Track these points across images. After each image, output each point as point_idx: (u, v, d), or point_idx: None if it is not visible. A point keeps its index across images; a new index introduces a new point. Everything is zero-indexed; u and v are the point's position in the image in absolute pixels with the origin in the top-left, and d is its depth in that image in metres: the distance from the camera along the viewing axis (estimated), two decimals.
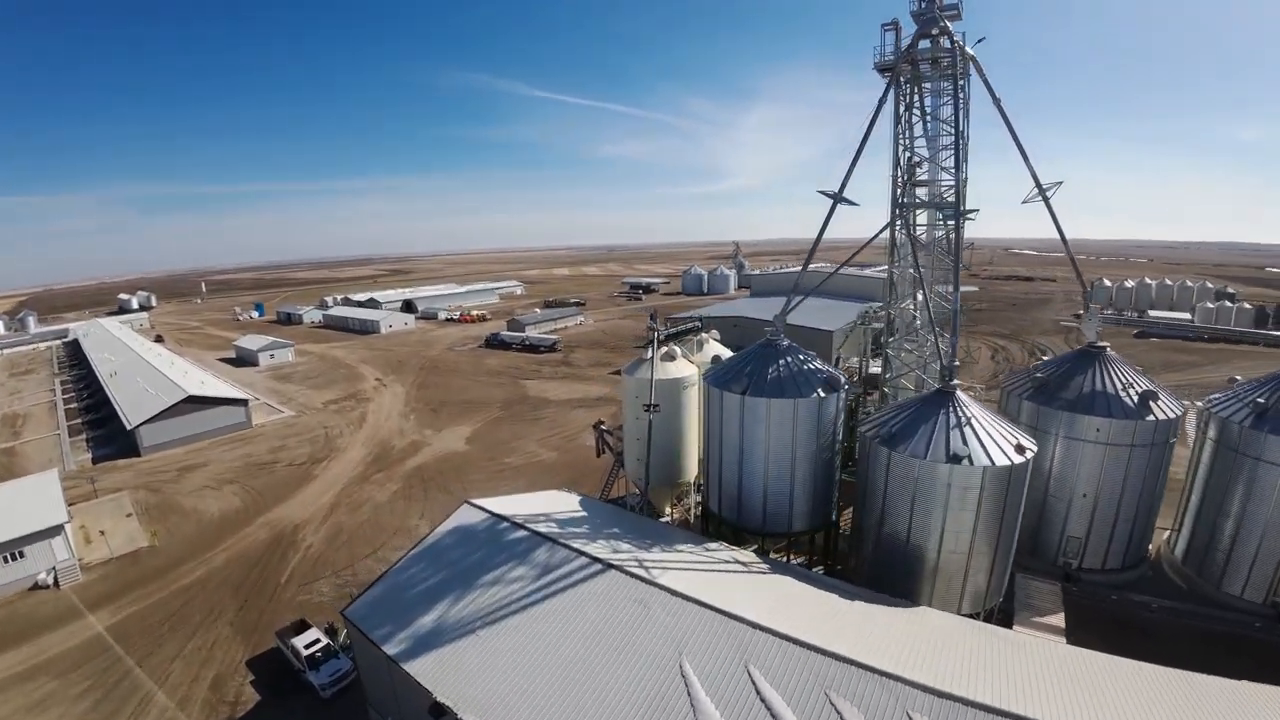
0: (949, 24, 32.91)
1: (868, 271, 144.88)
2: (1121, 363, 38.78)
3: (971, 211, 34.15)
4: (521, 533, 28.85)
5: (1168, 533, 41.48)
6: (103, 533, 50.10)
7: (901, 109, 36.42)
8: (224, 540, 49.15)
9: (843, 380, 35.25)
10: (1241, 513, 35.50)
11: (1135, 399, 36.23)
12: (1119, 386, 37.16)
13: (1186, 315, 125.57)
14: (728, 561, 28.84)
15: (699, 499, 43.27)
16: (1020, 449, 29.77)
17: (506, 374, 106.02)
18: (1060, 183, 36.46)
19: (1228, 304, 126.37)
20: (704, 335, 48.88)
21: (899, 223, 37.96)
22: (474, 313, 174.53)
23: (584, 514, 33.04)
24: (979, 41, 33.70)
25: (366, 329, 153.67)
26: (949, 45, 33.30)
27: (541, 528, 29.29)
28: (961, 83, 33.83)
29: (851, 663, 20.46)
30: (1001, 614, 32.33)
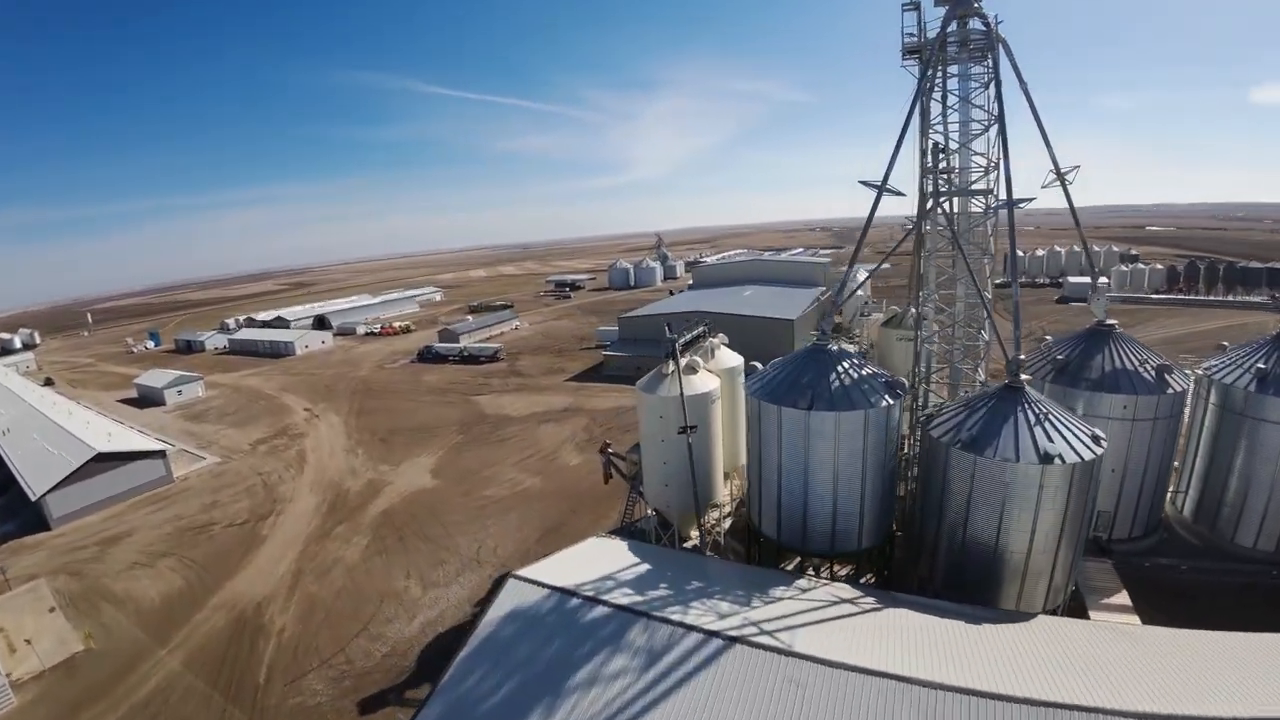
0: (980, 2, 31.80)
1: (806, 256, 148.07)
2: (1131, 340, 39.86)
3: (1025, 200, 33.22)
4: (600, 609, 24.10)
5: (1170, 494, 43.59)
6: (28, 641, 40.25)
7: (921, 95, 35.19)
8: (174, 633, 40.84)
9: (905, 383, 33.58)
10: (1248, 470, 37.55)
11: (1153, 373, 37.27)
12: (1136, 363, 38.08)
13: (1105, 280, 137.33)
14: (834, 600, 26.20)
15: (726, 516, 40.76)
16: (1096, 439, 29.33)
17: (453, 390, 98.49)
18: (1078, 167, 36.63)
19: (1140, 265, 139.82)
20: (713, 340, 45.96)
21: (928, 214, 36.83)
22: (396, 324, 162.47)
23: (647, 566, 28.79)
24: (999, 23, 32.89)
25: (279, 351, 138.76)
26: (981, 26, 32.17)
27: (619, 597, 24.79)
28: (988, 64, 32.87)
29: (1109, 712, 18.21)
30: (1073, 601, 32.29)
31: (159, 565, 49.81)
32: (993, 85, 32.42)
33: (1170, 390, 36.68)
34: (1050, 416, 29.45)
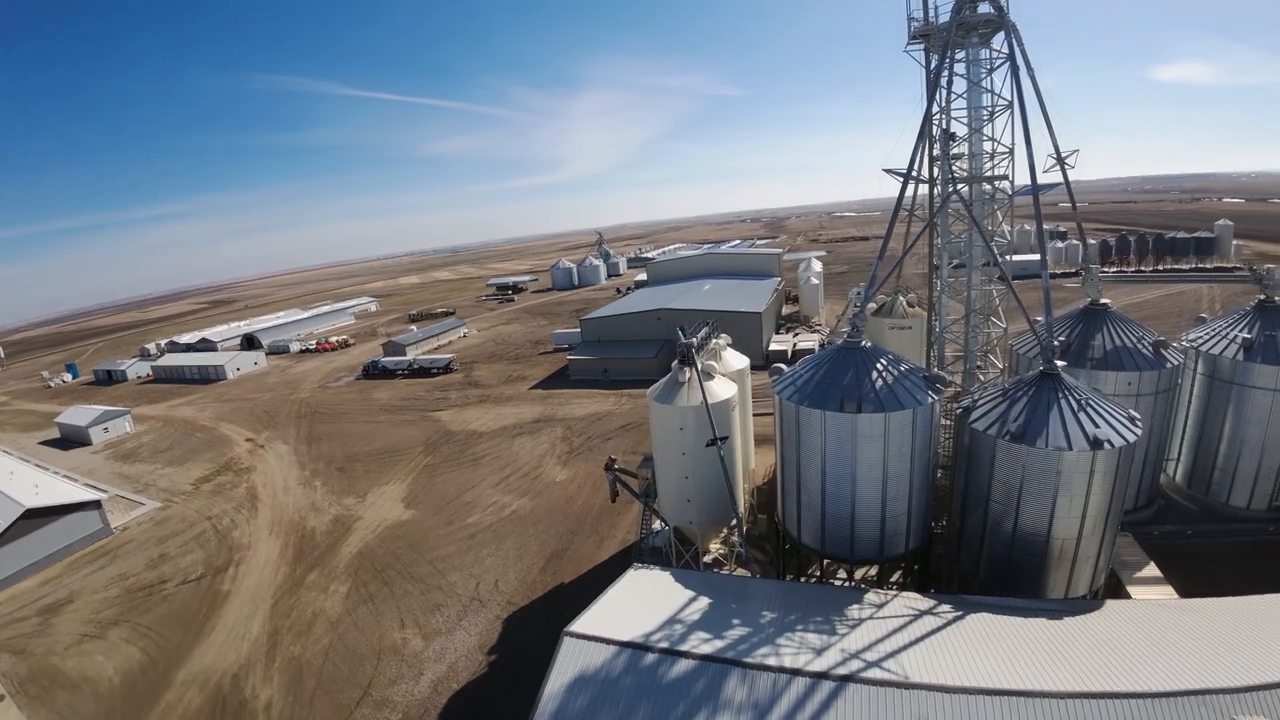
0: None
1: (758, 248, 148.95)
2: (1125, 317, 40.87)
3: (1049, 186, 32.93)
4: (682, 663, 21.21)
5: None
6: None
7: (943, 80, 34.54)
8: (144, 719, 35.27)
9: (946, 377, 32.79)
10: (1238, 435, 39.25)
11: (1151, 349, 38.28)
12: (1134, 340, 39.06)
13: (1037, 257, 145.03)
14: (914, 613, 24.90)
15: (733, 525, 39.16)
16: (1133, 420, 29.47)
17: (409, 408, 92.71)
18: (1077, 151, 36.86)
19: (1074, 241, 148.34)
20: (718, 341, 44.06)
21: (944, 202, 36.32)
22: (333, 339, 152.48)
23: (708, 599, 26.19)
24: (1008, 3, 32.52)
25: (210, 377, 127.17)
26: (991, 10, 31.62)
27: (699, 644, 22.19)
28: (1000, 49, 32.46)
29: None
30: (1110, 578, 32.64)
31: (111, 636, 43.41)
32: (1005, 69, 31.86)
33: (1168, 365, 37.74)
34: (1090, 402, 29.46)
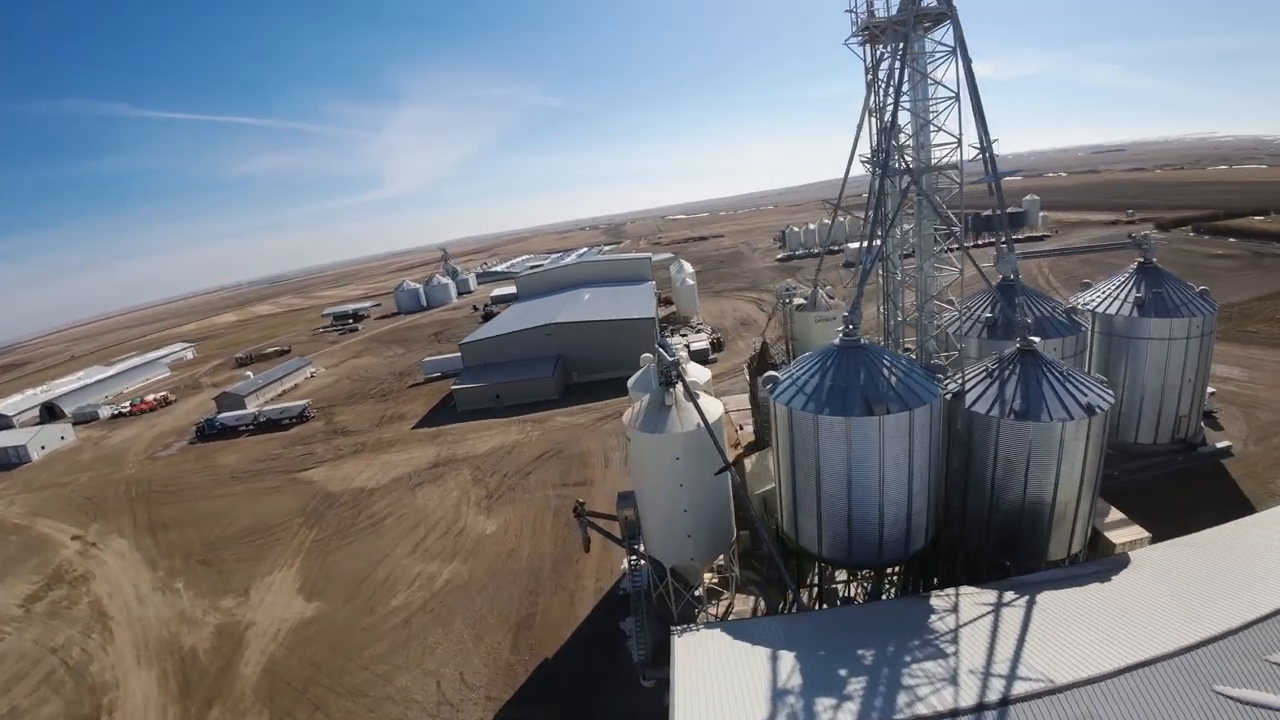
0: None
1: (628, 253, 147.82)
2: (1033, 290, 44.47)
3: (1010, 173, 33.72)
4: None
5: None
6: None
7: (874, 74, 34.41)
8: None
9: (945, 366, 32.34)
10: (1136, 381, 44.61)
11: (1065, 316, 41.93)
12: (1050, 309, 42.63)
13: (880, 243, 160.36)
14: (989, 607, 24.60)
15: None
16: (1103, 382, 31.28)
17: (268, 471, 77.66)
18: (997, 139, 38.85)
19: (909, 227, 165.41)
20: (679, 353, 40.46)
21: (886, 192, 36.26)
22: (150, 397, 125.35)
23: (791, 654, 22.83)
24: None
25: (10, 460, 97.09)
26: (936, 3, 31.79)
27: (834, 717, 19.26)
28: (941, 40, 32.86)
29: None
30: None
31: None
32: (966, 58, 31.94)
33: (1082, 329, 41.62)
34: (1070, 373, 30.82)
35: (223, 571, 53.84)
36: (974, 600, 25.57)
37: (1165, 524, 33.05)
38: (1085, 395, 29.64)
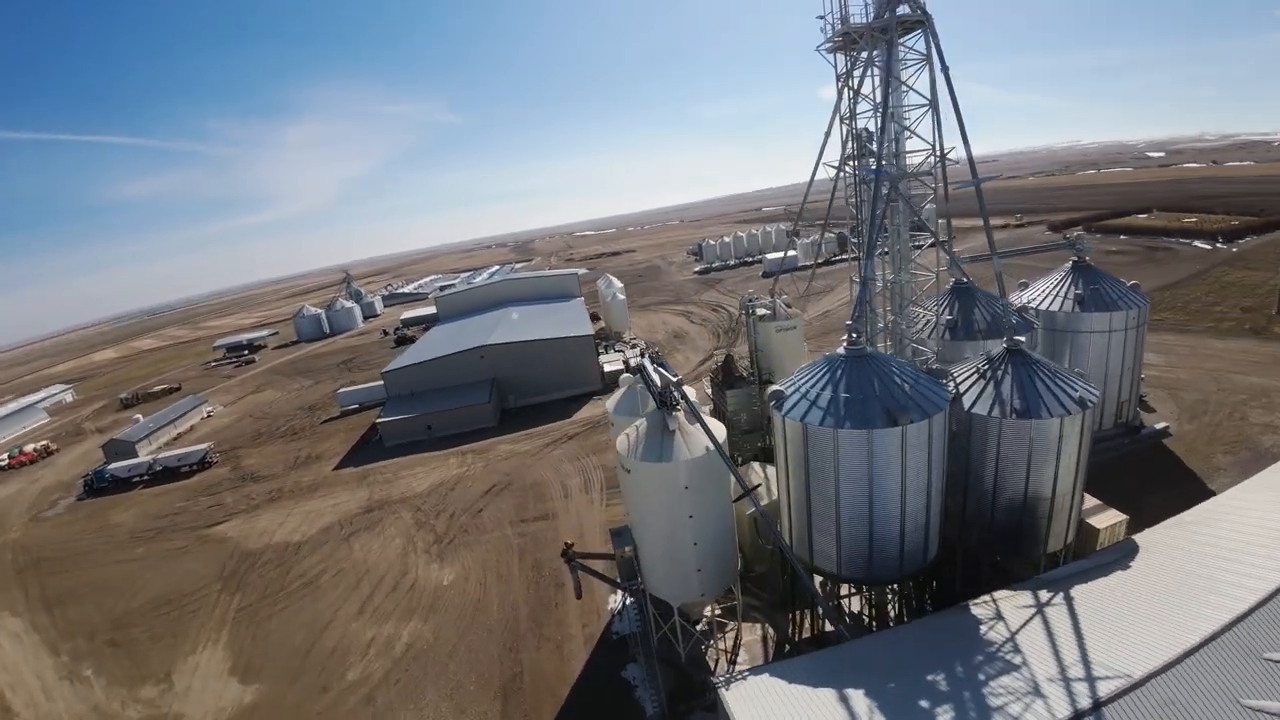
0: None
1: (556, 271, 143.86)
2: (984, 291, 46.10)
3: (989, 178, 34.19)
4: None
5: None
6: None
7: (849, 81, 34.17)
8: None
9: (950, 370, 32.05)
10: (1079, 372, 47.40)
11: (1017, 316, 43.71)
12: (1001, 310, 44.25)
13: (794, 252, 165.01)
14: (1033, 607, 24.73)
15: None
16: (1082, 375, 32.39)
17: (173, 529, 67.49)
18: (954, 148, 39.90)
19: (816, 238, 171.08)
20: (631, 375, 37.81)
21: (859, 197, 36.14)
22: (28, 448, 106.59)
23: (859, 692, 21.25)
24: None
25: None
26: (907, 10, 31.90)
27: None
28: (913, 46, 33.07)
29: None
30: None
31: None
32: (943, 62, 32.16)
33: (1033, 327, 43.58)
34: (1057, 370, 31.65)
35: (136, 653, 45.19)
36: (1014, 605, 25.27)
37: (1125, 505, 34.59)
38: (1075, 390, 30.45)
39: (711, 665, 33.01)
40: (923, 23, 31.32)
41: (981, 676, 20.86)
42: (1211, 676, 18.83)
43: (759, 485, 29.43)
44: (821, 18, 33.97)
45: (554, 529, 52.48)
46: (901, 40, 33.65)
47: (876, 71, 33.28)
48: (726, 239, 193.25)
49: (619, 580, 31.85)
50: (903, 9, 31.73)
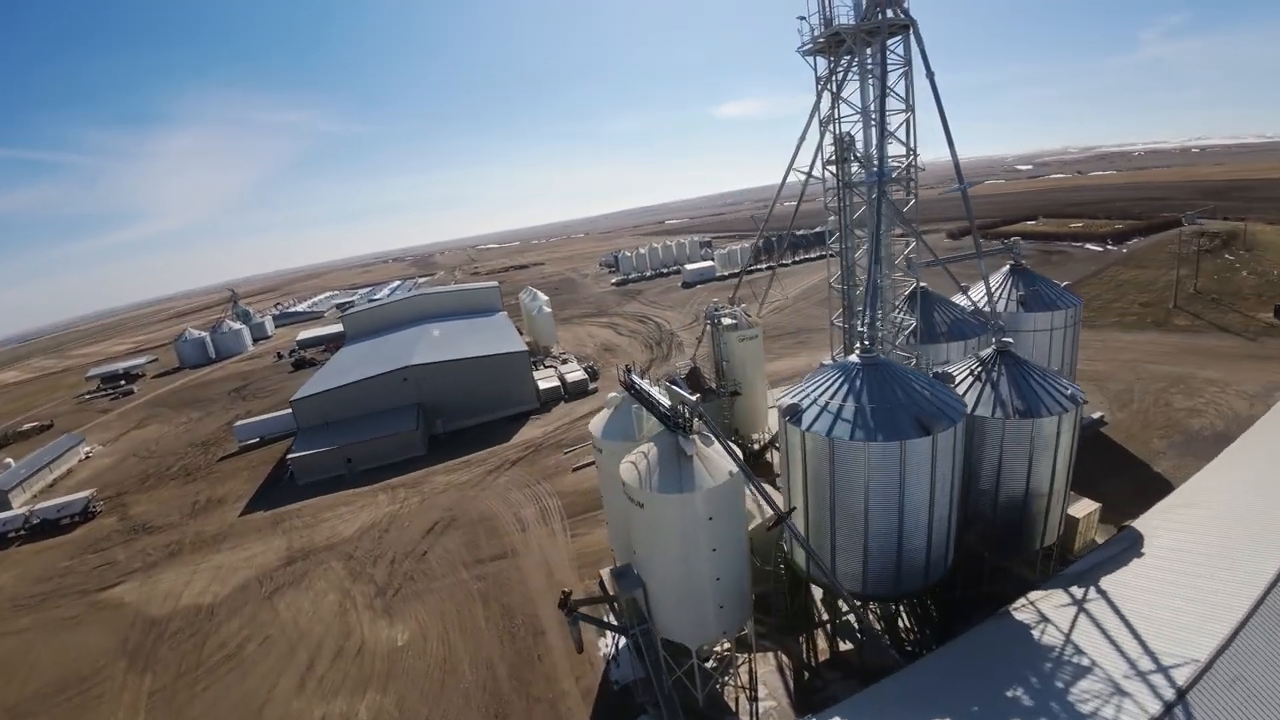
0: None
1: (477, 285, 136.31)
2: (942, 297, 47.42)
3: (976, 181, 34.27)
4: None
5: None
6: None
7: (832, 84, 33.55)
8: None
9: (953, 374, 31.64)
10: None
11: (973, 317, 45.37)
12: (960, 313, 45.90)
13: (711, 263, 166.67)
14: (1074, 604, 24.71)
15: None
16: (1059, 373, 33.52)
17: (58, 594, 56.15)
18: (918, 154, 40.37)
19: (734, 247, 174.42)
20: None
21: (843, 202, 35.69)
22: None
23: (954, 713, 20.63)
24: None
25: None
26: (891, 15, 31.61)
27: None
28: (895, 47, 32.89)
29: None
30: None
31: None
32: (926, 66, 31.99)
33: (988, 328, 45.14)
34: (1044, 370, 32.51)
35: None
36: (1053, 605, 25.26)
37: (1085, 493, 36.40)
38: (1067, 388, 31.32)
39: (731, 705, 30.51)
40: (908, 27, 31.07)
41: (1059, 685, 20.36)
42: (1265, 648, 19.43)
43: (794, 509, 27.30)
44: (803, 18, 33.18)
45: (516, 568, 47.91)
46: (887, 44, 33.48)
47: (859, 75, 32.86)
48: (642, 250, 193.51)
49: (629, 626, 28.64)
50: (888, 13, 31.47)
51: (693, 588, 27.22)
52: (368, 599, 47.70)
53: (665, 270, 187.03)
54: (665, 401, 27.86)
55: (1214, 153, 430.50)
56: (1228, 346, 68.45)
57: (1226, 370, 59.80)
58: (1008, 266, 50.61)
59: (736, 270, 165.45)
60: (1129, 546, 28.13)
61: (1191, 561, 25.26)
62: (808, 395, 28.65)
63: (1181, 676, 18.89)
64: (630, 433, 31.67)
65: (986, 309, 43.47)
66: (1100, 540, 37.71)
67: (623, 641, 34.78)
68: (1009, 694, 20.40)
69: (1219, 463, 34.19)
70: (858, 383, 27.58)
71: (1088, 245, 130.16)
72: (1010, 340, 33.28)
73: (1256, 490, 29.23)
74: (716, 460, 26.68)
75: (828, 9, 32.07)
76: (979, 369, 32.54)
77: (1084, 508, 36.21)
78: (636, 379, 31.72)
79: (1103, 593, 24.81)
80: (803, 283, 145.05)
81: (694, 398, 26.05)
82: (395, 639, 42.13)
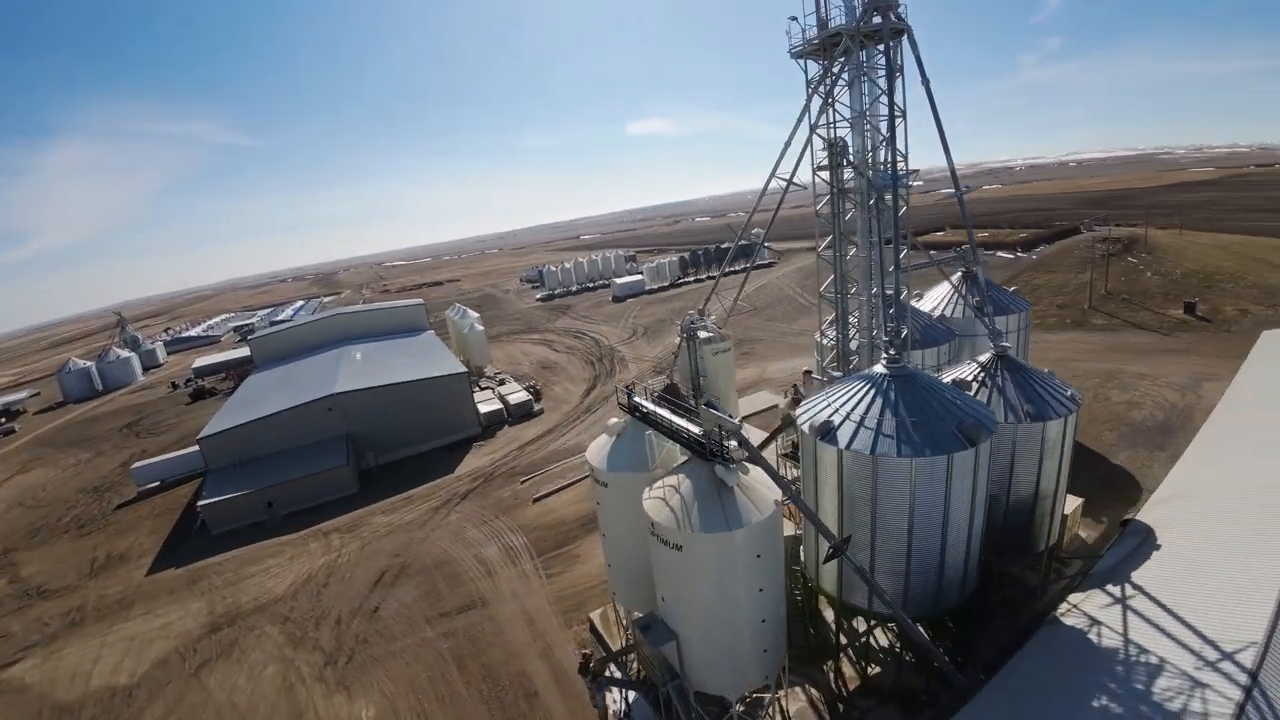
0: None
1: (399, 303, 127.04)
2: (912, 307, 48.10)
3: (972, 187, 34.30)
4: None
5: None
6: None
7: (822, 88, 32.81)
8: None
9: (969, 381, 31.23)
10: None
11: (941, 325, 46.45)
12: (928, 320, 46.86)
13: (640, 276, 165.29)
14: (1119, 601, 24.80)
15: None
16: (1052, 374, 34.34)
17: None
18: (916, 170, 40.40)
19: (663, 259, 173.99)
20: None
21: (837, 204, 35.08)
22: None
23: None
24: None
25: None
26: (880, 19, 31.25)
27: None
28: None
29: None
30: None
31: None
32: (901, 76, 31.84)
33: (955, 335, 46.48)
34: (1042, 373, 33.06)
35: None
36: (1097, 605, 25.38)
37: None
38: (1064, 389, 31.88)
39: None
40: (903, 32, 30.77)
41: (1139, 685, 20.18)
42: None
43: (850, 537, 25.41)
44: (794, 19, 32.28)
45: (490, 620, 43.15)
46: (879, 48, 33.12)
47: (857, 80, 32.24)
48: (568, 265, 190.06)
49: (663, 681, 25.68)
50: (878, 19, 31.06)
51: (735, 634, 24.76)
52: (316, 670, 41.28)
53: (592, 284, 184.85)
54: (685, 424, 25.46)
55: (1089, 166, 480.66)
56: (1147, 342, 74.77)
57: (1152, 364, 65.13)
58: (959, 273, 52.40)
59: (665, 284, 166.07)
60: (1144, 540, 28.76)
61: (1210, 548, 26.03)
62: (836, 410, 27.20)
63: (1247, 659, 19.21)
64: (644, 463, 28.80)
65: (975, 316, 45.05)
66: (1084, 535, 39.40)
67: (632, 695, 31.68)
68: (1094, 704, 20.04)
69: (1193, 453, 36.30)
70: (891, 395, 26.45)
71: (999, 253, 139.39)
72: (1009, 345, 33.65)
73: (1246, 475, 30.90)
74: (757, 489, 24.51)
75: (823, 10, 31.33)
76: (981, 374, 32.62)
77: (1069, 504, 37.32)
78: (641, 400, 29.13)
79: (1139, 588, 25.08)
80: (728, 298, 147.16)
81: (734, 419, 23.75)
82: (359, 717, 36.48)
